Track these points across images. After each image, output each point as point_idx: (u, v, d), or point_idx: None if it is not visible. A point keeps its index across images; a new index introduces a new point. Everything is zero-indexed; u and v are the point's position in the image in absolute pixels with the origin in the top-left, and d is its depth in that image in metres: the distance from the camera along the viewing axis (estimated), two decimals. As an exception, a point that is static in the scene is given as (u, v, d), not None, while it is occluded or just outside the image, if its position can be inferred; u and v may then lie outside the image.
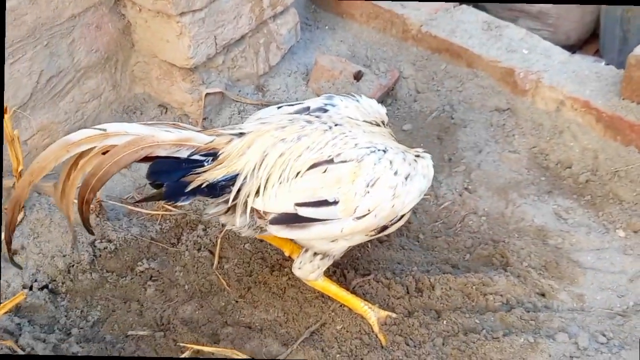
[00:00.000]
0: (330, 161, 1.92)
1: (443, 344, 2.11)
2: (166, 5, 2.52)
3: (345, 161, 1.92)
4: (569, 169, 2.69)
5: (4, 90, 2.19)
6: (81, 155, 1.83)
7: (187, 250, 2.43)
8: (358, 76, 2.97)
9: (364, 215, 1.92)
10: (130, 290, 2.34)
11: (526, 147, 2.78)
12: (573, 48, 3.46)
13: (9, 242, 1.91)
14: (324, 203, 1.91)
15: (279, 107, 2.08)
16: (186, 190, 1.90)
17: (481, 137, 2.82)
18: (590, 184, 2.64)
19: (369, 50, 3.20)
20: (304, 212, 1.92)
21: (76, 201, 1.89)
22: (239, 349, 2.13)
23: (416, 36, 3.14)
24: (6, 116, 2.18)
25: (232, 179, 1.93)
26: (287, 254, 2.31)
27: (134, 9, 2.66)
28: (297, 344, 2.15)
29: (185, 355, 2.13)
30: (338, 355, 2.12)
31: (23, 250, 2.36)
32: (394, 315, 2.18)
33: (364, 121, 2.05)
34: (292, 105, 2.07)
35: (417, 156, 2.02)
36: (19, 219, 2.36)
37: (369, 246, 2.42)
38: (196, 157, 1.91)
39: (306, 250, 2.08)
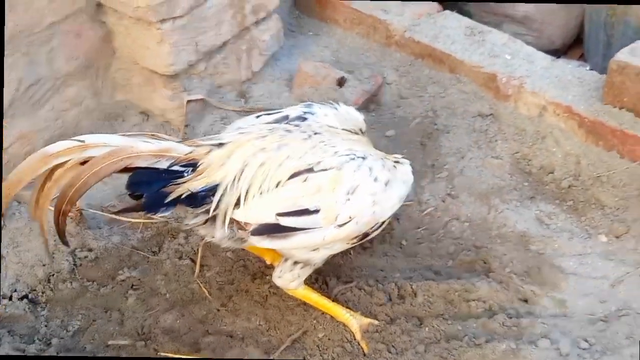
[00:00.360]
0: (310, 170, 1.91)
1: (425, 351, 2.10)
2: (146, 13, 2.50)
3: (325, 169, 1.91)
4: (551, 174, 2.69)
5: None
6: (57, 166, 1.81)
7: (168, 258, 2.42)
8: (341, 82, 2.96)
9: (345, 223, 1.92)
10: (111, 300, 2.32)
11: (509, 153, 2.77)
12: (558, 53, 3.47)
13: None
14: (305, 212, 1.90)
15: (257, 117, 2.07)
16: (166, 201, 1.88)
17: (464, 142, 2.81)
18: (572, 189, 2.64)
19: (352, 56, 3.19)
20: (286, 221, 1.91)
21: (52, 210, 1.87)
22: (220, 358, 2.12)
23: (399, 42, 3.14)
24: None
25: (212, 189, 1.91)
26: (268, 262, 2.31)
27: (114, 17, 2.64)
28: (278, 352, 2.14)
29: (166, 364, 2.12)
30: (320, 364, 2.12)
31: (2, 259, 2.33)
32: (376, 322, 2.17)
33: (343, 129, 2.05)
34: (271, 114, 2.07)
35: (397, 162, 2.02)
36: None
37: (352, 253, 2.41)
38: (176, 167, 1.90)
39: (286, 259, 2.08)
